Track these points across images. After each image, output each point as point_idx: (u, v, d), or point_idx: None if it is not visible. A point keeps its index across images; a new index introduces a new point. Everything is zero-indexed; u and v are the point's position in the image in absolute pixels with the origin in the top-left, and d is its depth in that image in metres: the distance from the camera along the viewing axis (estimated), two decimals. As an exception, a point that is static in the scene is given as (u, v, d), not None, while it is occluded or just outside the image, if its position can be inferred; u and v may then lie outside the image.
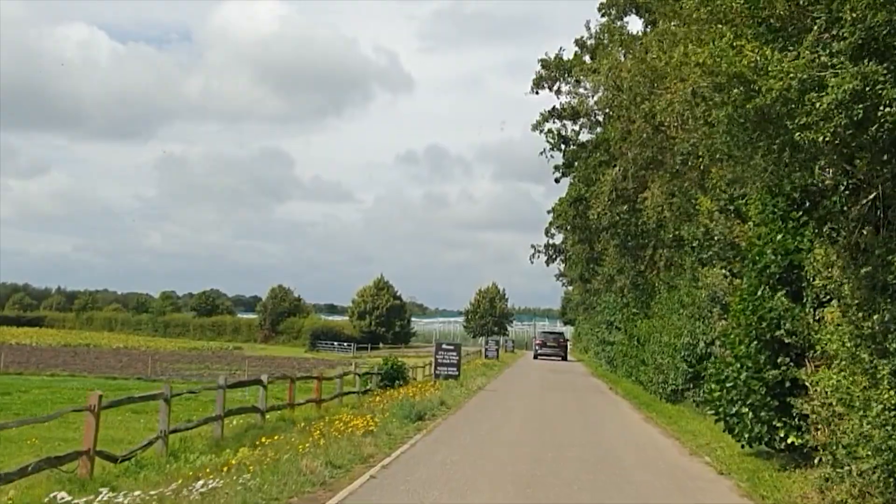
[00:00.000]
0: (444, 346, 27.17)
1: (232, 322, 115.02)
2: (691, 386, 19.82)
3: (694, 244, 18.24)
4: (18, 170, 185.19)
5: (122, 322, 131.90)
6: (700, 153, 17.55)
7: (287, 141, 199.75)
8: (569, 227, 33.94)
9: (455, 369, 26.34)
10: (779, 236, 11.60)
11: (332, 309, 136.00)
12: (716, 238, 16.16)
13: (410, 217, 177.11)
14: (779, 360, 11.26)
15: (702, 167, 18.16)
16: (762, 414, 11.41)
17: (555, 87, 25.64)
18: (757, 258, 11.94)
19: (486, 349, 51.83)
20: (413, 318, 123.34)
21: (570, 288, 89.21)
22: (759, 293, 11.59)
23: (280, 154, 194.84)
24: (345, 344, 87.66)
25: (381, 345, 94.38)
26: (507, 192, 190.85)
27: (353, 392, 25.30)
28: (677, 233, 20.67)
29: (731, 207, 15.15)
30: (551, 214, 36.26)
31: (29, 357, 53.53)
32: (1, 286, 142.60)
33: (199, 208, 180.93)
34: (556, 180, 35.18)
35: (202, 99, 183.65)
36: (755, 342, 11.59)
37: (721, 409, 12.48)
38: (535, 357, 57.26)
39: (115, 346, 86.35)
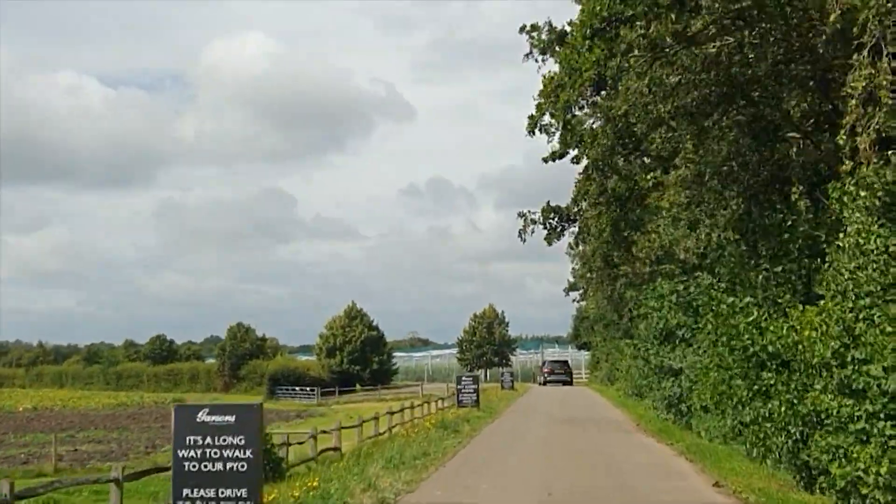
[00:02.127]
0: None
1: (189, 369, 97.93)
2: None
3: None
4: (16, 225, 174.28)
5: (73, 376, 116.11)
6: None
7: (287, 179, 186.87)
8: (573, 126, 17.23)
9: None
10: None
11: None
12: None
13: (414, 252, 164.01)
14: None
15: None
16: None
17: None
18: None
19: (459, 391, 34.74)
20: (398, 353, 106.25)
21: (583, 302, 72.67)
22: None
23: (280, 194, 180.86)
24: (308, 389, 70.52)
25: (356, 386, 77.38)
26: (510, 221, 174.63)
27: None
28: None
29: None
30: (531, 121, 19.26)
31: None
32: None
33: (200, 254, 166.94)
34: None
35: (198, 142, 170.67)
36: None
37: None
38: (544, 384, 64.65)
39: (21, 407, 70.09)
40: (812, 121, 12.76)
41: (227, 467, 8.60)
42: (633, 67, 12.45)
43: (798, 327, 11.00)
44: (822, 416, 10.14)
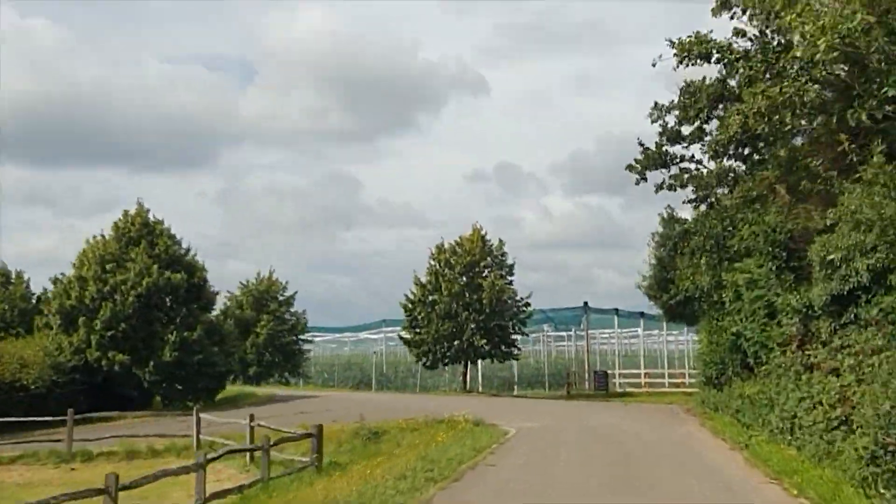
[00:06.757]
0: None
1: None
2: None
3: None
4: (82, 209, 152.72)
5: None
6: None
7: (353, 161, 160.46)
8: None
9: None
10: None
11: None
12: None
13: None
14: None
15: None
16: None
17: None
18: None
19: None
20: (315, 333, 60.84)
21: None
22: None
23: (346, 177, 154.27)
24: None
25: (166, 402, 31.83)
26: (578, 209, 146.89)
27: None
28: None
29: None
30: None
31: None
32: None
33: (264, 240, 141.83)
34: None
35: (261, 122, 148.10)
36: None
37: None
38: None
39: None
40: None
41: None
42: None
43: None
44: None
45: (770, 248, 18.25)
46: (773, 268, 18.22)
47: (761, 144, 18.26)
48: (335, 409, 29.93)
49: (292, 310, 54.79)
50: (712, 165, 28.56)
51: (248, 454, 20.23)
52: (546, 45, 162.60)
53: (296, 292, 55.04)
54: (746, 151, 21.79)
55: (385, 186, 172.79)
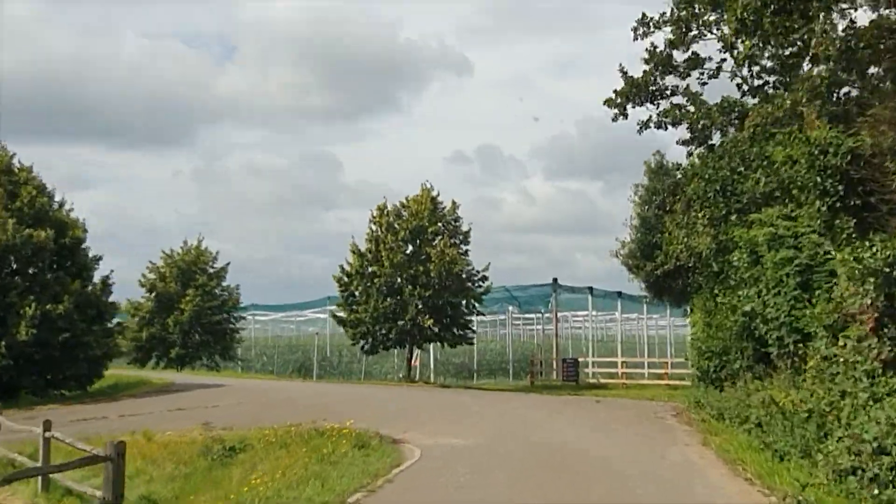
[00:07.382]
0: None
1: None
2: None
3: None
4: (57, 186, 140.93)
5: None
6: None
7: (334, 141, 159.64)
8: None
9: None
10: None
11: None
12: None
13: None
14: None
15: None
16: None
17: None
18: None
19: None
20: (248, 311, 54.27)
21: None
22: None
23: (326, 156, 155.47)
24: None
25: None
26: (560, 193, 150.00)
27: None
28: None
29: None
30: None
31: None
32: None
33: (243, 220, 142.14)
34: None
35: (241, 100, 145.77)
36: None
37: None
38: None
39: None
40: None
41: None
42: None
43: None
44: None
45: (818, 179, 11.82)
46: (824, 208, 11.80)
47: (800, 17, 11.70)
48: (226, 404, 23.39)
49: (224, 283, 48.01)
50: (730, 61, 22.04)
51: (39, 478, 13.78)
52: (529, 26, 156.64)
53: (228, 264, 48.33)
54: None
55: (365, 167, 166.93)
